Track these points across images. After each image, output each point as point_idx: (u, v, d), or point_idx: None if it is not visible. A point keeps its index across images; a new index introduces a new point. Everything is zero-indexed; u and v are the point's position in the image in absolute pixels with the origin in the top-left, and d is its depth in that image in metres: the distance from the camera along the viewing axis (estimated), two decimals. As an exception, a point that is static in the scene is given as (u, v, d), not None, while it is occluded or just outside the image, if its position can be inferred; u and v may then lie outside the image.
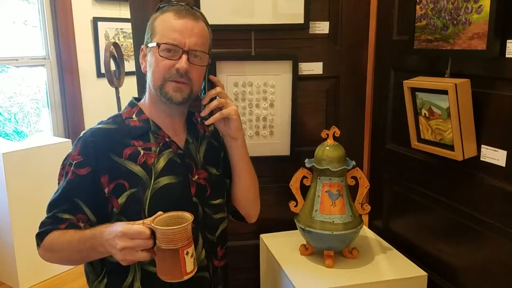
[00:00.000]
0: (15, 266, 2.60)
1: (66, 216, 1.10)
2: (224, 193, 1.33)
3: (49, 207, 1.13)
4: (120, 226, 0.98)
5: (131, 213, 1.11)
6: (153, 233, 0.96)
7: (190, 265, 0.97)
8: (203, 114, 1.20)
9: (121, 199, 1.12)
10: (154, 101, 1.20)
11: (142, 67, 1.21)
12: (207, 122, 1.20)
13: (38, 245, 1.12)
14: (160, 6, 1.19)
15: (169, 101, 1.14)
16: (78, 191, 1.11)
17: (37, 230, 1.13)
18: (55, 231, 1.10)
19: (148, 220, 0.98)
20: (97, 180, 1.11)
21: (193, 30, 1.13)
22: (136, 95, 1.30)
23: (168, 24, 1.13)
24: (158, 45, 1.12)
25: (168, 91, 1.14)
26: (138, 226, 0.97)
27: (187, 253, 0.96)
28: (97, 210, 1.12)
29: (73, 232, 1.08)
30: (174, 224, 0.97)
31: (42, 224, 1.13)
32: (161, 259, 0.97)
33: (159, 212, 1.01)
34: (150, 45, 1.16)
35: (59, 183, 1.16)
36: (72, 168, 1.12)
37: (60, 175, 1.16)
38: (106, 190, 1.11)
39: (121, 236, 0.96)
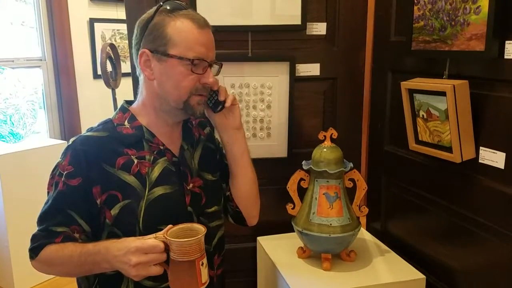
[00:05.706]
0: (10, 269, 2.59)
1: (60, 229, 1.07)
2: (221, 200, 1.31)
3: (40, 220, 1.09)
4: (133, 242, 0.97)
5: (125, 225, 1.09)
6: (165, 246, 0.97)
7: (205, 276, 0.98)
8: (226, 100, 1.18)
9: (114, 211, 1.08)
10: (157, 109, 1.15)
11: (145, 74, 1.11)
12: (227, 104, 1.18)
13: (32, 258, 1.08)
14: (167, 8, 1.08)
15: (192, 114, 1.15)
16: (71, 202, 1.07)
17: (29, 243, 1.08)
18: (51, 245, 1.06)
19: (160, 234, 0.98)
20: (89, 191, 1.07)
21: (212, 42, 1.13)
22: (132, 97, 1.28)
23: (192, 36, 1.07)
24: (192, 61, 1.07)
25: (193, 105, 1.12)
26: (152, 240, 0.97)
27: (202, 263, 0.98)
28: (91, 221, 1.10)
29: (73, 246, 1.05)
30: (185, 236, 0.98)
31: (35, 238, 1.08)
32: (177, 272, 0.97)
33: (169, 226, 1.00)
34: (171, 53, 1.07)
35: (48, 193, 1.11)
36: (62, 179, 1.08)
37: (50, 185, 1.11)
38: (98, 201, 1.08)
39: (135, 252, 0.95)
